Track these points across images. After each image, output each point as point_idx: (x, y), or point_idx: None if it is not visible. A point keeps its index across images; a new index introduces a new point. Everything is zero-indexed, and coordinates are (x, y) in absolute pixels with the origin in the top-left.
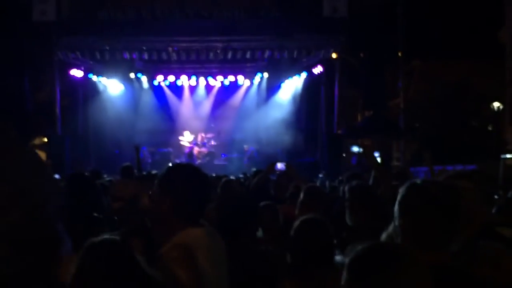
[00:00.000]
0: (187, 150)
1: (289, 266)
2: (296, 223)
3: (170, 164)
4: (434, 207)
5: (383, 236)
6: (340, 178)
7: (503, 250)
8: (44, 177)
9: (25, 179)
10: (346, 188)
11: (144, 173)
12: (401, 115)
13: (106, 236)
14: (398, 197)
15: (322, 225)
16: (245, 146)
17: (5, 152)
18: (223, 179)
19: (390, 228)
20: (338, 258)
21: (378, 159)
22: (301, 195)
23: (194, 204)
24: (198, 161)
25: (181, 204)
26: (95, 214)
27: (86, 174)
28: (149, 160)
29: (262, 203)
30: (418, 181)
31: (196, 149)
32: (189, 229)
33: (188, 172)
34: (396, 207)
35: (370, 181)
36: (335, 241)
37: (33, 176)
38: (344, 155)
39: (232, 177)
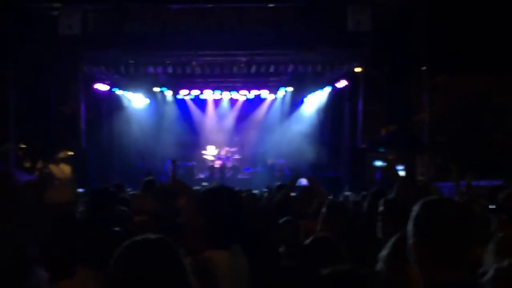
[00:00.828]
0: (219, 165)
1: None
2: (308, 240)
3: (212, 185)
4: (448, 226)
5: (383, 253)
6: (364, 193)
7: None
8: (18, 205)
9: None
10: (381, 201)
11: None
12: (426, 130)
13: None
14: (412, 215)
15: (332, 245)
16: (269, 160)
17: None
18: (244, 194)
19: (388, 246)
20: None
21: (402, 173)
22: (323, 210)
23: (225, 230)
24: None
25: (212, 228)
26: (117, 229)
27: (110, 188)
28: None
29: (282, 219)
30: (433, 199)
31: (219, 163)
32: (212, 251)
33: (226, 199)
34: (409, 226)
35: (393, 195)
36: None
37: (6, 203)
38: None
39: (255, 191)
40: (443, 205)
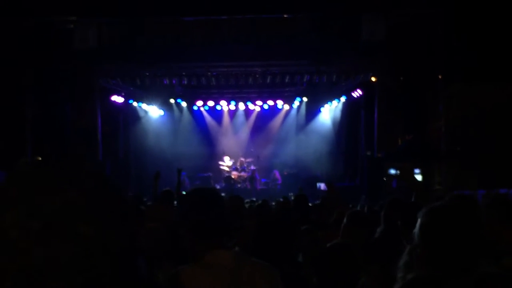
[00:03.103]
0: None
1: None
2: (324, 248)
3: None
4: (455, 231)
5: (401, 262)
6: (381, 202)
7: None
8: (129, 217)
9: (111, 221)
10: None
11: None
12: (442, 139)
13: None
14: (418, 222)
15: (348, 251)
16: (285, 171)
17: (95, 190)
18: (258, 203)
19: (405, 254)
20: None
21: (419, 177)
22: (344, 221)
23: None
24: (238, 186)
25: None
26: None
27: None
28: (188, 186)
29: (301, 228)
30: (439, 205)
31: (235, 174)
32: (214, 251)
33: (192, 198)
34: (416, 232)
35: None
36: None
37: (119, 216)
38: (384, 179)
39: (272, 203)
40: (449, 210)
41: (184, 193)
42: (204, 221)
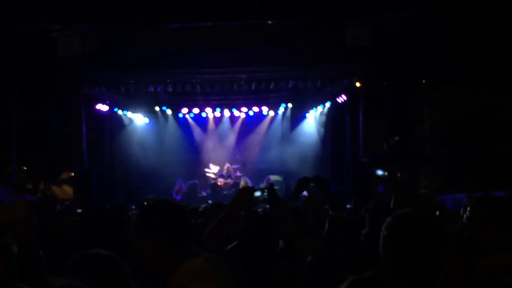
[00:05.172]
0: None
1: None
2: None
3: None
4: (419, 240)
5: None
6: (367, 205)
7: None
8: None
9: None
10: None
11: None
12: (427, 142)
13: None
14: (383, 230)
15: (334, 258)
16: (272, 177)
17: None
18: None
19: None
20: None
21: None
22: (326, 226)
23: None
24: (224, 192)
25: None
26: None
27: (108, 207)
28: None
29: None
30: (403, 212)
31: (221, 181)
32: (188, 261)
33: (163, 207)
34: (381, 240)
35: (391, 205)
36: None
37: None
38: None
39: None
40: (414, 219)
41: (145, 203)
42: (180, 229)
